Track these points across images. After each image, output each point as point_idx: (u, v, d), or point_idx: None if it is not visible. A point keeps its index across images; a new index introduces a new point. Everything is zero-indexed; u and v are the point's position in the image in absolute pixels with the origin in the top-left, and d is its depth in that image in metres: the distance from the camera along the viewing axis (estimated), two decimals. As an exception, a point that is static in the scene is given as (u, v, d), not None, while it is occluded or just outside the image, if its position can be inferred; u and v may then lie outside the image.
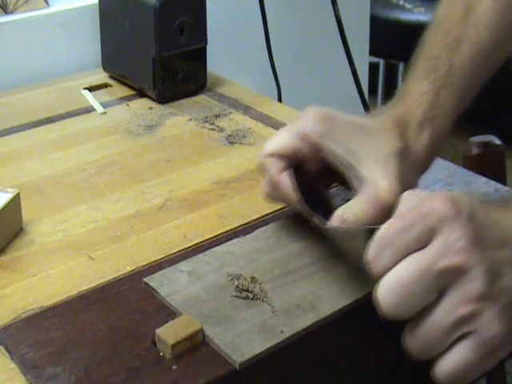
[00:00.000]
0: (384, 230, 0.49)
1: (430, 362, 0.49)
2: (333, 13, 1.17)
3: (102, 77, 1.04)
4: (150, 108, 0.95)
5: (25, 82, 1.02)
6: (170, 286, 0.58)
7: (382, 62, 2.54)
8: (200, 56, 0.98)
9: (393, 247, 0.48)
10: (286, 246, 0.63)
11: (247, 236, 0.64)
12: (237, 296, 0.56)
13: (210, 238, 0.66)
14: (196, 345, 0.52)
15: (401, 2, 2.55)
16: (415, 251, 0.47)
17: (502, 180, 0.97)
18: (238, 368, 0.50)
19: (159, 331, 0.52)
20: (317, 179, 0.64)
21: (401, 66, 2.51)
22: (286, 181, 0.60)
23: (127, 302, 0.57)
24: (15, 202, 0.67)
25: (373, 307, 0.57)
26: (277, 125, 0.89)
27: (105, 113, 0.93)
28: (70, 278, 0.62)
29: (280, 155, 0.61)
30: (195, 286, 0.58)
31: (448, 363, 0.48)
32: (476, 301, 0.46)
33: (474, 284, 0.46)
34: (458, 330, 0.47)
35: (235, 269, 0.59)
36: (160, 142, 0.86)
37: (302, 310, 0.55)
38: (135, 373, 0.50)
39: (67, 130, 0.89)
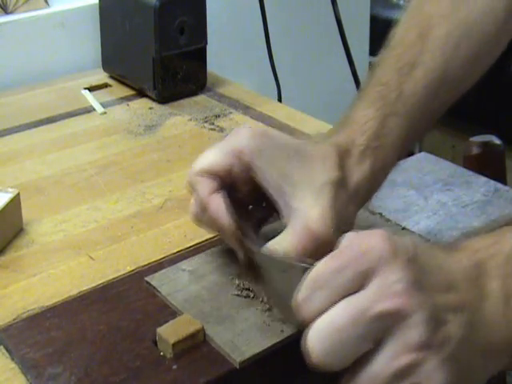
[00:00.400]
0: (317, 269, 0.44)
1: None
2: (333, 13, 1.18)
3: (101, 77, 1.04)
4: (150, 108, 0.95)
5: (25, 82, 1.02)
6: (170, 285, 0.58)
7: (381, 62, 2.54)
8: (200, 56, 0.98)
9: (326, 289, 0.43)
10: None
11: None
12: (237, 295, 0.57)
13: (210, 238, 0.66)
14: (197, 344, 0.52)
15: (401, 2, 2.55)
16: (350, 294, 0.43)
17: (501, 180, 0.97)
18: (237, 367, 0.50)
19: (160, 330, 0.52)
20: (248, 209, 0.59)
21: (401, 66, 2.51)
22: (218, 202, 0.55)
23: (127, 302, 0.57)
24: (15, 202, 0.67)
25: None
26: (277, 125, 0.89)
27: (105, 113, 0.93)
28: (70, 278, 0.62)
29: (211, 174, 0.56)
30: (196, 285, 0.58)
31: None
32: (416, 350, 0.41)
33: (413, 331, 0.41)
34: (400, 383, 0.42)
35: (236, 268, 0.59)
36: (160, 142, 0.86)
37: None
38: (135, 373, 0.50)
39: (67, 130, 0.89)
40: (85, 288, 0.60)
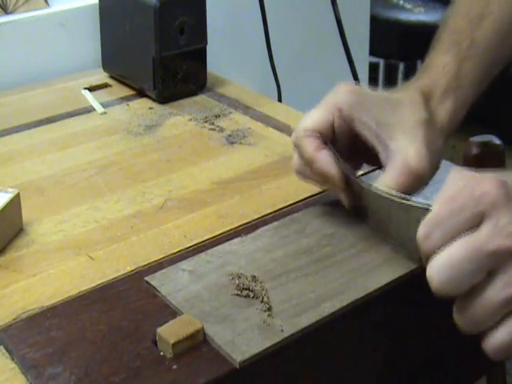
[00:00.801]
0: (436, 210, 0.50)
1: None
2: (333, 13, 1.18)
3: (101, 77, 1.04)
4: (150, 108, 0.95)
5: (25, 82, 1.02)
6: (171, 284, 0.58)
7: (382, 62, 2.54)
8: (200, 56, 0.98)
9: (444, 228, 0.49)
10: (287, 245, 0.63)
11: (248, 235, 0.64)
12: (237, 295, 0.56)
13: (210, 238, 0.66)
14: (197, 344, 0.52)
15: (401, 2, 2.55)
16: (465, 233, 0.49)
17: (502, 180, 0.97)
18: (237, 367, 0.50)
19: (160, 330, 0.52)
20: (347, 161, 0.65)
21: (401, 66, 2.51)
22: (325, 157, 0.61)
23: (127, 302, 0.57)
24: (15, 201, 0.67)
25: (372, 308, 0.57)
26: (277, 125, 0.89)
27: (105, 113, 0.93)
28: (70, 278, 0.62)
29: (314, 131, 0.62)
30: (196, 285, 0.58)
31: (498, 337, 0.49)
32: None
33: None
34: (507, 308, 0.49)
35: (236, 268, 0.59)
36: (160, 142, 0.86)
37: (303, 309, 0.55)
38: (135, 373, 0.50)
39: (67, 130, 0.89)
40: (85, 288, 0.60)
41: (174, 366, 0.51)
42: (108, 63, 1.04)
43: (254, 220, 0.69)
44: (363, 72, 1.42)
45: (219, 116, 0.92)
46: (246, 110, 0.94)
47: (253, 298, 0.56)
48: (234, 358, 0.51)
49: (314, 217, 0.66)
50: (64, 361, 0.51)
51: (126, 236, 0.67)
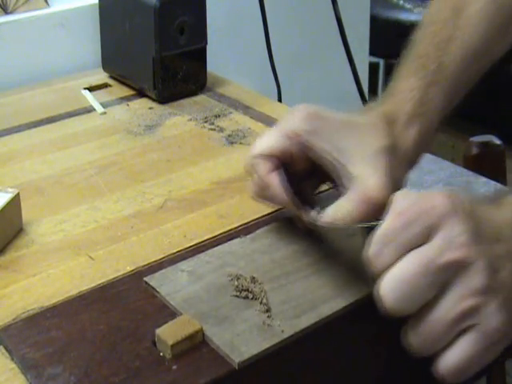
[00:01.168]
0: (385, 226, 0.49)
1: (431, 358, 0.50)
2: (333, 13, 1.18)
3: (102, 77, 1.04)
4: (150, 108, 0.95)
5: (25, 82, 1.02)
6: (170, 285, 0.58)
7: (381, 61, 2.54)
8: (200, 56, 0.98)
9: (395, 244, 0.48)
10: (287, 246, 0.63)
11: (247, 236, 0.64)
12: (237, 296, 0.57)
13: (210, 238, 0.66)
14: (196, 345, 0.52)
15: (401, 2, 2.55)
16: (416, 247, 0.48)
17: (502, 180, 0.97)
18: (236, 367, 0.50)
19: (159, 331, 0.52)
20: (304, 180, 0.64)
21: (401, 65, 2.51)
22: (276, 181, 0.60)
23: (127, 302, 0.57)
24: (15, 201, 0.67)
25: (372, 308, 0.57)
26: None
27: (105, 113, 0.93)
28: (70, 278, 0.62)
29: (269, 155, 0.61)
30: (195, 286, 0.58)
31: (451, 357, 0.48)
32: (479, 294, 0.47)
33: (476, 278, 0.47)
34: (461, 324, 0.47)
35: (235, 269, 0.59)
36: (160, 142, 0.86)
37: (302, 311, 0.55)
38: (135, 373, 0.50)
39: (67, 130, 0.89)
40: (85, 288, 0.60)
41: (174, 367, 0.51)
42: (108, 63, 1.04)
43: (253, 220, 0.69)
44: (363, 72, 1.42)
45: (219, 116, 0.92)
46: (246, 109, 0.94)
47: (252, 299, 0.56)
48: (233, 358, 0.51)
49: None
50: (64, 361, 0.51)
51: (126, 236, 0.67)
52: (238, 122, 0.90)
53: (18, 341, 0.54)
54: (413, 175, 0.74)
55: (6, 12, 1.04)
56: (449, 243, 0.47)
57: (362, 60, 1.43)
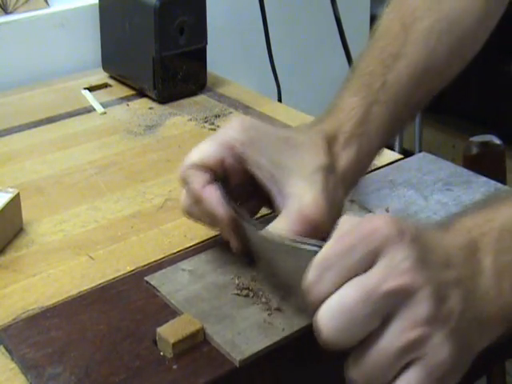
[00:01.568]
0: (325, 251, 0.45)
1: None
2: (333, 13, 1.18)
3: (102, 77, 1.04)
4: (150, 108, 0.95)
5: (25, 82, 1.02)
6: (170, 284, 0.58)
7: (381, 62, 2.54)
8: (200, 56, 0.98)
9: (335, 270, 0.44)
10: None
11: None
12: (237, 294, 0.57)
13: (209, 238, 0.66)
14: (197, 344, 0.52)
15: (401, 2, 2.55)
16: (358, 274, 0.44)
17: (502, 180, 0.97)
18: (237, 366, 0.50)
19: (160, 330, 0.52)
20: (242, 203, 0.60)
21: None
22: (212, 193, 0.57)
23: (127, 302, 0.57)
24: (15, 201, 0.67)
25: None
26: (277, 125, 0.89)
27: (105, 113, 0.93)
28: (70, 278, 0.62)
29: (204, 166, 0.58)
30: (196, 285, 0.58)
31: None
32: (423, 324, 0.43)
33: (420, 307, 0.43)
34: (406, 357, 0.43)
35: (236, 268, 0.59)
36: (160, 142, 0.86)
37: (302, 309, 0.55)
38: (135, 373, 0.50)
39: (67, 130, 0.89)
40: (85, 288, 0.60)
41: (174, 366, 0.51)
42: (108, 63, 1.04)
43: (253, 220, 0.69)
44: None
45: (219, 116, 0.92)
46: (246, 110, 0.94)
47: (252, 297, 0.56)
48: (234, 356, 0.51)
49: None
50: (64, 361, 0.51)
51: (126, 236, 0.67)
52: (238, 121, 0.90)
53: (18, 341, 0.54)
54: (413, 175, 0.74)
55: (6, 12, 1.04)
56: (391, 270, 0.43)
57: (362, 60, 1.43)
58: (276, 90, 1.21)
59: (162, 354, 0.52)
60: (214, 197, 0.57)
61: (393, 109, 0.62)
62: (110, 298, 0.58)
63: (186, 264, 0.61)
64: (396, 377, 0.44)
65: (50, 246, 0.66)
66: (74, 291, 0.60)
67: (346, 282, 0.44)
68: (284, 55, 1.28)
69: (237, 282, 0.58)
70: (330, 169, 0.58)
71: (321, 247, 0.46)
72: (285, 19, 1.33)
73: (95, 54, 1.06)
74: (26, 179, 0.78)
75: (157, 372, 0.50)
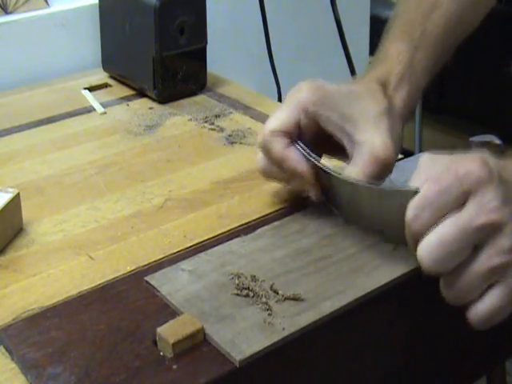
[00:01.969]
0: (424, 192, 0.52)
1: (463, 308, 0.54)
2: (332, 13, 1.18)
3: (102, 77, 1.04)
4: (150, 108, 0.95)
5: (25, 82, 1.02)
6: (170, 284, 0.58)
7: (381, 62, 2.54)
8: (200, 56, 0.98)
9: (432, 209, 0.52)
10: (287, 245, 0.63)
11: (248, 235, 0.64)
12: (237, 294, 0.57)
13: (209, 238, 0.66)
14: (197, 344, 0.52)
15: (401, 3, 2.55)
16: (452, 210, 0.51)
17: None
18: (237, 365, 0.50)
19: (160, 330, 0.52)
20: (310, 151, 0.66)
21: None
22: (293, 155, 0.64)
23: (127, 302, 0.57)
24: (15, 201, 0.67)
25: (372, 307, 0.57)
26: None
27: (105, 113, 0.93)
28: (70, 278, 0.62)
29: (282, 131, 0.64)
30: (196, 285, 0.58)
31: (482, 307, 0.53)
32: (507, 253, 0.51)
33: (505, 238, 0.51)
34: (491, 278, 0.52)
35: (236, 267, 0.59)
36: (160, 142, 0.86)
37: (303, 308, 0.55)
38: (135, 373, 0.50)
39: (67, 130, 0.89)
40: (85, 288, 0.60)
41: (174, 366, 0.51)
42: (108, 63, 1.04)
43: (253, 220, 0.69)
44: (363, 72, 1.42)
45: (219, 116, 0.92)
46: (246, 109, 0.94)
47: (253, 297, 0.56)
48: (234, 356, 0.51)
49: (313, 217, 0.67)
50: (64, 361, 0.51)
51: (126, 236, 0.67)
52: (238, 121, 0.90)
53: (18, 341, 0.54)
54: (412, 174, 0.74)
55: (6, 12, 1.04)
56: (482, 208, 0.51)
57: (362, 60, 1.43)
58: (276, 90, 1.21)
59: (161, 353, 0.52)
60: (294, 157, 0.64)
61: (432, 54, 0.71)
62: (109, 298, 0.58)
63: (185, 264, 0.61)
64: (482, 294, 0.52)
65: (50, 246, 0.66)
66: (73, 291, 0.60)
67: (442, 218, 0.52)
68: (284, 55, 1.28)
69: (237, 281, 0.58)
70: (389, 110, 0.65)
71: (417, 188, 0.53)
72: (285, 19, 1.33)
73: (95, 54, 1.06)
74: (25, 179, 0.78)
75: (157, 372, 0.50)
